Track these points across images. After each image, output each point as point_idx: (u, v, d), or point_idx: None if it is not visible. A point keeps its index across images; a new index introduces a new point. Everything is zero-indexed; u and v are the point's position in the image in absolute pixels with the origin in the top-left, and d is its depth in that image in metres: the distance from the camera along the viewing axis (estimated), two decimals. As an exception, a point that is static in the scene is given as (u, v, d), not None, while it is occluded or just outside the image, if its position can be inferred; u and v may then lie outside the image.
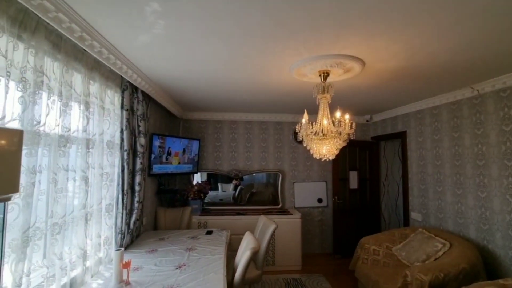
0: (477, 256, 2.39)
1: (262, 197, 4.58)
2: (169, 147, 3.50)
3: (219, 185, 4.68)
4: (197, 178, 4.35)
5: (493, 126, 2.49)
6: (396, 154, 4.70)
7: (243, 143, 4.43)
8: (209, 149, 4.37)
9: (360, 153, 4.58)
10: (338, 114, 1.98)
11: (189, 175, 4.21)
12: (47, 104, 1.49)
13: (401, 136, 3.84)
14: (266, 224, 2.88)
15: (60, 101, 1.59)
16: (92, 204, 1.97)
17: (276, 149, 4.48)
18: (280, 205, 4.36)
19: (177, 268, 2.03)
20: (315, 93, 2.14)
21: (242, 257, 2.00)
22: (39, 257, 1.55)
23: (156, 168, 3.31)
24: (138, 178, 2.58)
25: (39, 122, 1.40)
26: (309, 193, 4.50)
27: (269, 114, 4.40)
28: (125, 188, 2.38)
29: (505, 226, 2.37)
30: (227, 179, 4.54)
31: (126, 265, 1.78)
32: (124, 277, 1.80)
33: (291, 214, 3.97)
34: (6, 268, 1.23)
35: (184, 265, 2.09)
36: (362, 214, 4.51)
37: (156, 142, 3.27)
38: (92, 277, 1.92)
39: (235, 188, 4.64)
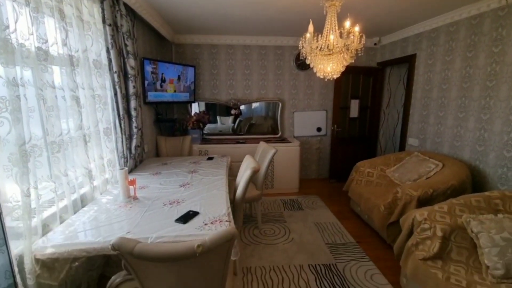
0: (467, 174, 2.50)
1: (261, 128, 4.59)
2: (162, 73, 3.29)
3: (218, 118, 4.62)
4: (195, 109, 4.26)
5: (514, 42, 2.28)
6: (401, 81, 4.52)
7: (241, 71, 4.19)
8: (205, 77, 4.15)
9: (364, 80, 4.39)
10: (347, 23, 1.76)
11: (187, 104, 4.11)
12: (13, 7, 1.29)
13: (410, 60, 3.59)
14: (266, 149, 2.93)
15: (28, 6, 1.37)
16: (89, 126, 1.92)
17: (276, 77, 4.27)
18: (280, 134, 4.40)
19: (181, 187, 2.13)
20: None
21: (243, 176, 2.08)
22: (45, 173, 1.58)
23: (152, 96, 3.19)
24: (133, 103, 2.49)
25: (8, 27, 1.22)
26: (308, 122, 4.49)
27: (268, 37, 4.02)
28: (121, 113, 2.31)
29: (501, 147, 2.42)
30: (226, 111, 4.45)
31: (132, 182, 1.85)
32: (132, 193, 1.89)
33: (290, 142, 4.03)
34: (11, 180, 1.25)
35: (188, 184, 2.19)
36: (359, 142, 4.61)
37: (148, 67, 3.05)
38: (101, 194, 2.02)
39: (234, 121, 4.61)
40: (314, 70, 2.03)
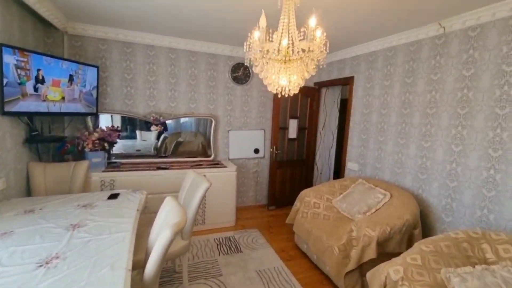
0: (416, 206, 2.35)
1: (191, 147, 3.83)
2: (39, 70, 2.23)
3: (138, 133, 3.64)
4: (105, 122, 3.20)
5: (452, 71, 2.28)
6: (335, 103, 4.51)
7: (165, 78, 3.39)
8: (115, 82, 3.18)
9: (302, 99, 4.18)
10: (312, 21, 1.29)
11: (85, 117, 3.03)
12: None
13: (348, 82, 3.52)
14: (196, 182, 2.22)
15: None
16: None
17: (209, 89, 3.63)
18: (212, 156, 3.72)
19: (40, 266, 1.20)
20: (277, -11, 1.37)
21: (159, 237, 1.31)
22: None
23: (16, 104, 2.08)
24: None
25: None
26: (245, 142, 3.97)
27: (200, 42, 3.38)
28: None
29: (443, 176, 2.36)
30: (147, 125, 3.53)
31: None
32: None
33: (225, 166, 3.40)
34: None
35: (57, 257, 1.28)
36: (298, 165, 4.33)
37: (10, 59, 1.98)
38: None
39: (158, 137, 3.72)
40: (265, 82, 1.49)
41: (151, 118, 3.33)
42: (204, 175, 3.13)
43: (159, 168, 3.09)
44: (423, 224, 2.43)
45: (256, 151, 4.06)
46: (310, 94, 4.23)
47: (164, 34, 3.15)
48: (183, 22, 2.70)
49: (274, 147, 3.97)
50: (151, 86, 3.34)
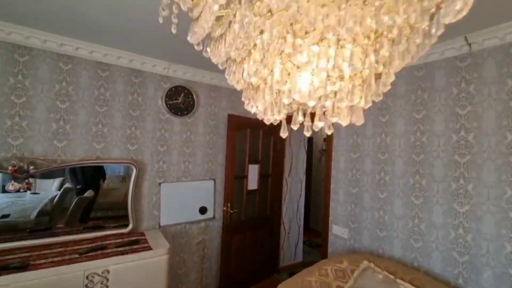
0: (476, 318, 1.41)
1: (106, 207, 2.38)
2: None
3: (32, 181, 2.07)
4: None
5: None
6: (302, 142, 3.68)
7: (47, 101, 2.03)
8: None
9: (264, 138, 3.22)
10: None
11: None
12: None
13: (326, 117, 2.71)
14: None
15: None
16: None
17: (129, 121, 2.37)
18: (131, 226, 2.32)
19: None
20: None
21: None
22: None
23: None
24: None
25: None
26: (186, 199, 2.70)
27: (117, 50, 2.20)
28: None
29: (492, 262, 1.51)
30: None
31: None
32: None
33: (149, 248, 2.03)
34: None
35: None
36: (260, 224, 3.20)
37: None
38: None
39: (60, 186, 2.24)
40: (251, 77, 0.34)
41: (10, 168, 1.85)
42: (106, 274, 1.70)
43: (3, 270, 1.56)
44: None
45: (203, 210, 2.81)
46: (273, 130, 3.31)
47: (50, 31, 1.89)
48: (81, 14, 1.54)
49: (229, 204, 2.80)
50: (17, 113, 1.92)
